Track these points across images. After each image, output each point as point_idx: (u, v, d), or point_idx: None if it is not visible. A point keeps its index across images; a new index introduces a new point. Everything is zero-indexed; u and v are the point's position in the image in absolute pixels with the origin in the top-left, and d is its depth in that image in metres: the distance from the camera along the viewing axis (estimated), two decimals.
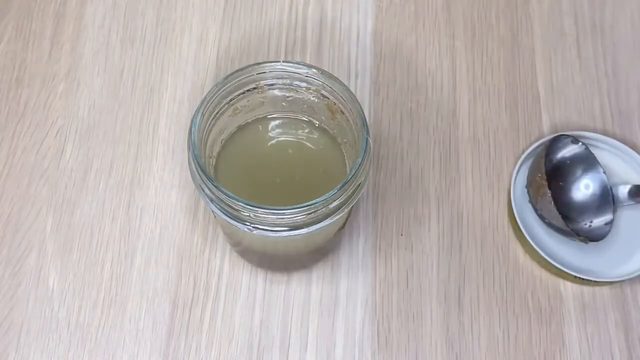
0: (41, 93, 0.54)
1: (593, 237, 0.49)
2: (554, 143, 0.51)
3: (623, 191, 0.50)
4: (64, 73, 0.55)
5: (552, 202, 0.48)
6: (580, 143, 0.51)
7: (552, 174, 0.50)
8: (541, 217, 0.49)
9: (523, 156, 0.51)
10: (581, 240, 0.48)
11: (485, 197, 0.51)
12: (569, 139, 0.51)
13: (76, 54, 0.55)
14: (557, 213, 0.48)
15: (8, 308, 0.47)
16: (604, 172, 0.50)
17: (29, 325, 0.47)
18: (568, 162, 0.51)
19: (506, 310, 0.48)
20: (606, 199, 0.50)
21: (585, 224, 0.49)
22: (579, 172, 0.51)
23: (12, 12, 0.57)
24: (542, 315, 0.48)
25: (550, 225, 0.49)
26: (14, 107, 0.53)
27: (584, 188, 0.50)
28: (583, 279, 0.47)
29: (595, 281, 0.48)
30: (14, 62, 0.55)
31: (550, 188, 0.48)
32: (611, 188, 0.50)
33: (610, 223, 0.49)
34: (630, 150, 0.52)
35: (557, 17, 0.58)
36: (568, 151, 0.51)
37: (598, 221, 0.50)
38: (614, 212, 0.50)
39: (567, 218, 0.49)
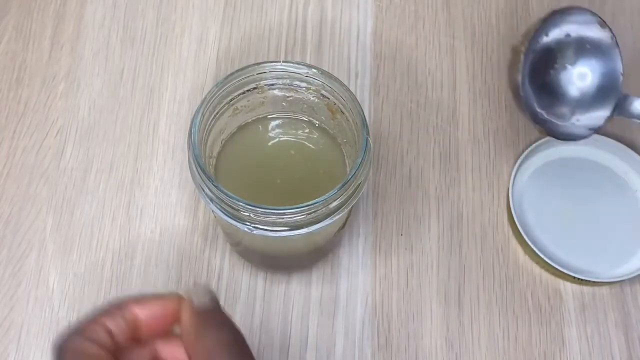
0: (41, 93, 0.54)
1: (566, 135, 0.44)
2: (568, 15, 0.44)
3: (637, 105, 0.44)
4: (64, 73, 0.55)
5: (525, 81, 0.43)
6: (607, 29, 0.45)
7: (546, 53, 0.44)
8: (515, 90, 0.44)
9: (523, 156, 0.51)
10: (541, 132, 0.44)
11: (485, 197, 0.51)
12: (593, 18, 0.44)
13: (76, 54, 0.55)
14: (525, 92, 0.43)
15: (8, 308, 0.47)
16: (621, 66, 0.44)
17: (29, 325, 0.47)
18: (573, 40, 0.44)
19: (506, 310, 0.48)
20: (605, 98, 0.44)
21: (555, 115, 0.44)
22: (583, 55, 0.44)
23: (12, 12, 0.57)
24: (542, 315, 0.48)
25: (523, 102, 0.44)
26: (14, 107, 0.53)
27: (580, 76, 0.44)
28: (582, 279, 0.47)
29: (594, 281, 0.48)
30: (14, 62, 0.55)
31: (539, 68, 0.43)
32: (625, 94, 0.45)
33: (594, 129, 0.44)
34: (629, 150, 0.52)
35: None
36: (579, 29, 0.44)
37: (584, 118, 0.44)
38: (610, 117, 0.44)
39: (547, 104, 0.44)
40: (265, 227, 0.39)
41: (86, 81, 0.54)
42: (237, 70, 0.42)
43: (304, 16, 0.57)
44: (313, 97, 0.44)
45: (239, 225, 0.39)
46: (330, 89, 0.42)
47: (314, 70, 0.42)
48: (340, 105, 0.43)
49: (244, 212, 0.38)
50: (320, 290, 0.48)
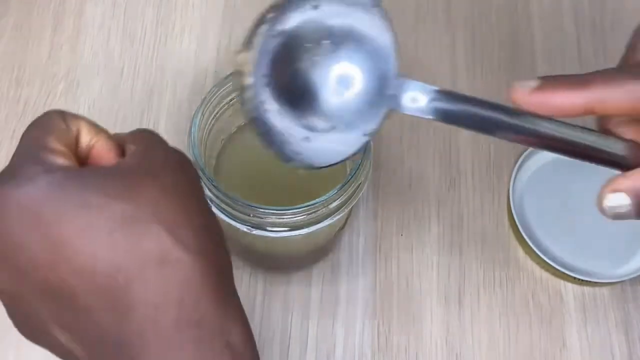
0: (41, 93, 0.54)
1: (329, 151, 0.31)
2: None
3: (413, 95, 0.33)
4: (64, 73, 0.54)
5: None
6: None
7: (289, 41, 0.30)
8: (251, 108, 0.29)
9: (523, 156, 0.51)
10: (300, 167, 0.31)
11: (485, 197, 0.51)
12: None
13: (76, 53, 0.55)
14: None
15: None
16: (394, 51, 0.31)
17: None
18: (322, 15, 0.30)
19: (506, 311, 0.48)
20: (376, 89, 0.32)
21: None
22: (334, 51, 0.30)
23: (12, 12, 0.56)
24: (542, 316, 0.48)
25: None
26: (14, 107, 0.53)
27: (339, 67, 0.31)
28: (583, 280, 0.47)
29: (595, 282, 0.48)
30: (14, 62, 0.55)
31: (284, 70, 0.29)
32: (400, 80, 0.33)
33: (370, 134, 0.32)
34: None
35: (557, 16, 0.58)
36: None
37: (352, 127, 0.31)
38: (386, 114, 0.32)
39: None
40: (265, 227, 0.39)
41: (86, 81, 0.54)
42: None
43: None
44: None
45: (238, 225, 0.39)
46: None
47: None
48: None
49: (244, 212, 0.38)
50: (320, 290, 0.48)
